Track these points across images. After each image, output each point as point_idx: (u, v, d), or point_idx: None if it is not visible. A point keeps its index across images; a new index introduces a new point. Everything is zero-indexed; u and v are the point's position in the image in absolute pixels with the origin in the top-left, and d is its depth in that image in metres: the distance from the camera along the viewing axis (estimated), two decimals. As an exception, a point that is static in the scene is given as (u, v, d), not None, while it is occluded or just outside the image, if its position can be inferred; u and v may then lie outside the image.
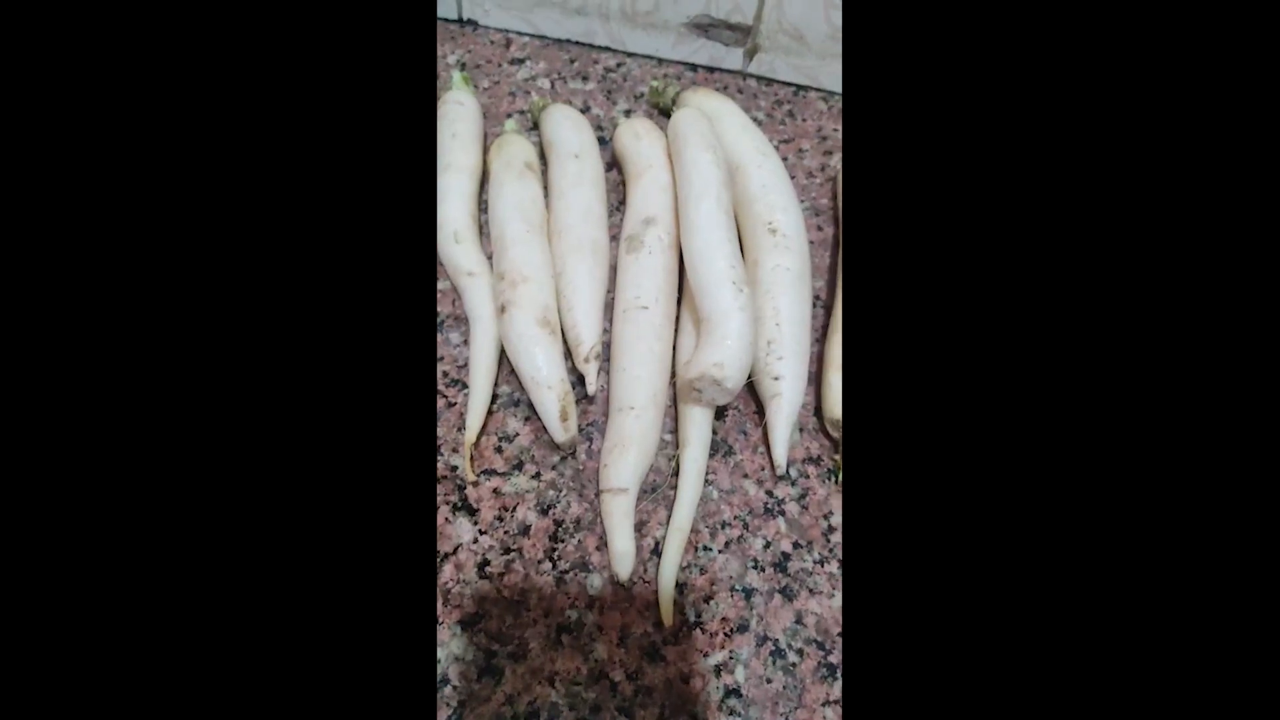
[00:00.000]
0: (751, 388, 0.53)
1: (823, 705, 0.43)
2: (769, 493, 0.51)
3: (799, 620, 0.46)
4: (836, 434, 0.52)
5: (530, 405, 0.52)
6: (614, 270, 0.57)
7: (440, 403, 0.52)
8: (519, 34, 0.78)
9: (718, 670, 0.44)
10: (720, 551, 0.48)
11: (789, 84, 0.78)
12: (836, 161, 0.71)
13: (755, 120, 0.69)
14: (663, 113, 0.72)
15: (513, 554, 0.47)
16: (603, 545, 0.47)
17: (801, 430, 0.54)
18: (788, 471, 0.52)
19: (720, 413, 0.54)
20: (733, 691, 0.44)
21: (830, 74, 0.75)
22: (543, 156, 0.66)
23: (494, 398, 0.53)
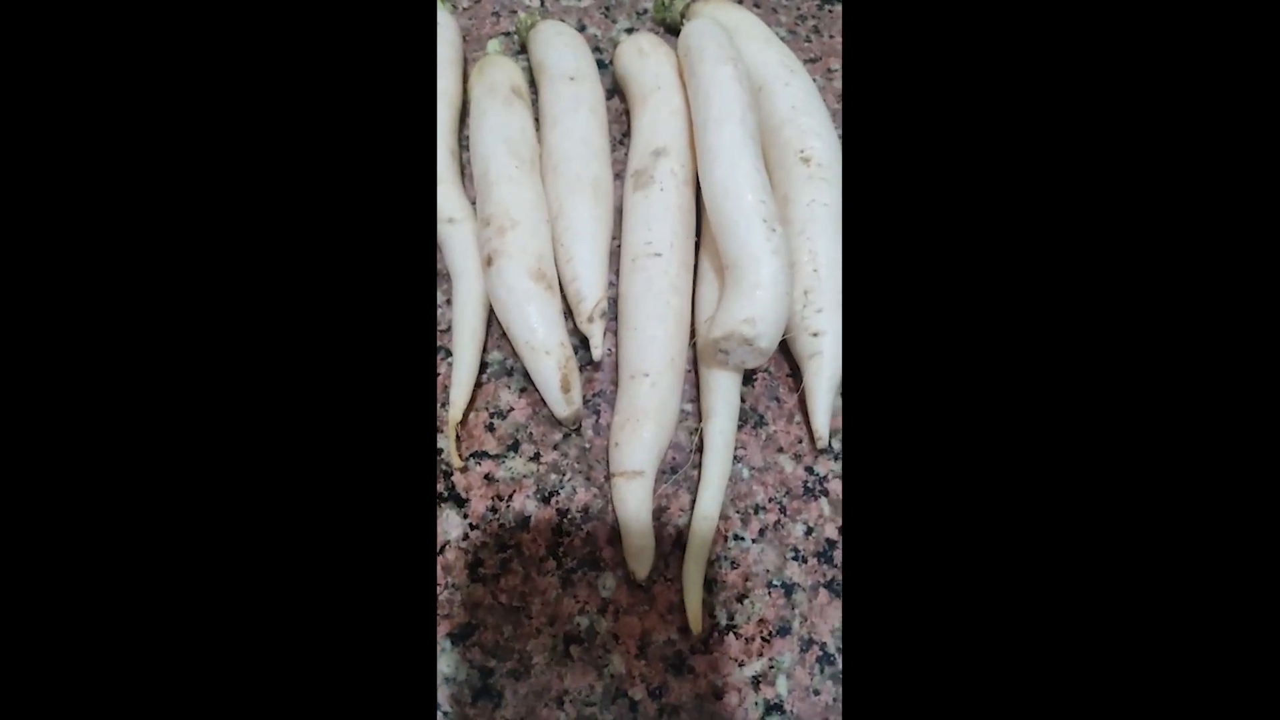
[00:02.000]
0: (785, 346, 0.46)
1: None
2: (809, 469, 0.43)
3: (849, 620, 0.39)
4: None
5: (525, 374, 0.44)
6: (619, 212, 0.49)
7: (420, 373, 0.45)
8: (502, -54, 0.68)
9: (756, 682, 0.37)
10: (754, 541, 0.41)
11: (813, -4, 0.68)
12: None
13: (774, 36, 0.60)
14: (670, 31, 0.62)
15: (510, 551, 0.40)
16: (615, 538, 0.40)
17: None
18: (830, 443, 0.44)
19: (748, 377, 0.46)
20: (774, 707, 0.37)
21: (861, -19, 0.65)
22: (532, 83, 0.56)
23: (483, 366, 0.45)
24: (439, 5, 0.58)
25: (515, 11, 0.63)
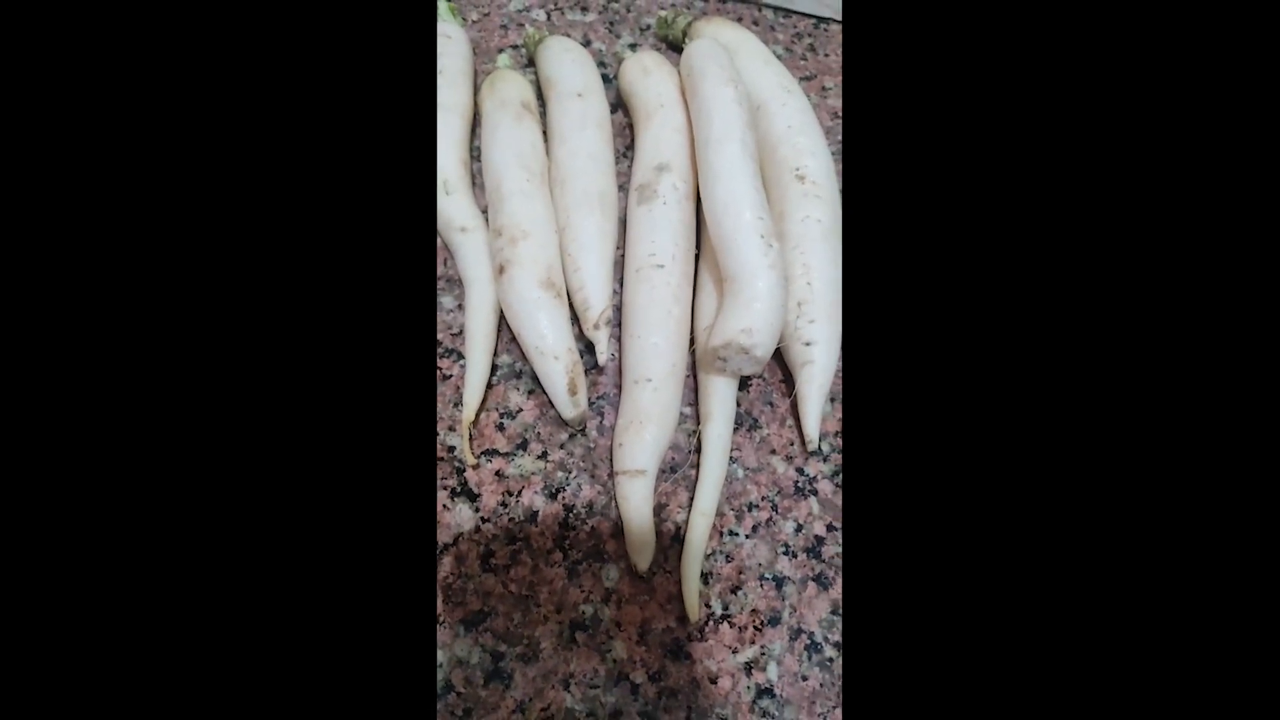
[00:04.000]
0: (778, 354, 0.48)
1: (864, 705, 0.39)
2: (799, 470, 0.46)
3: (836, 611, 0.42)
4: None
5: (534, 377, 0.47)
6: (624, 224, 0.52)
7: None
8: (510, -41, 0.70)
9: (748, 668, 0.40)
10: (748, 536, 0.44)
11: (809, 15, 0.71)
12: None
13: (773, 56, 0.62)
14: (672, 47, 0.65)
15: (519, 544, 0.42)
16: (618, 532, 0.43)
17: (833, 400, 0.49)
18: (820, 446, 0.47)
19: (743, 382, 0.49)
20: (765, 691, 0.40)
21: (855, 2, 0.68)
22: (540, 96, 0.59)
23: (494, 369, 0.47)
24: (451, 18, 0.60)
25: (523, 25, 0.65)
